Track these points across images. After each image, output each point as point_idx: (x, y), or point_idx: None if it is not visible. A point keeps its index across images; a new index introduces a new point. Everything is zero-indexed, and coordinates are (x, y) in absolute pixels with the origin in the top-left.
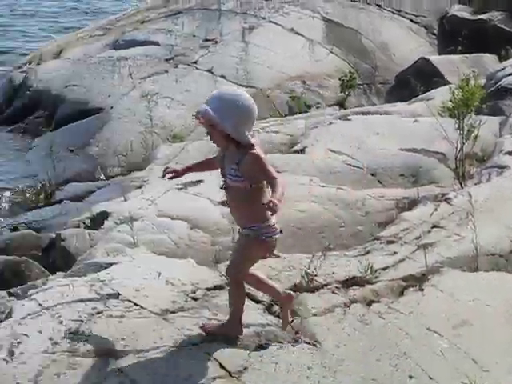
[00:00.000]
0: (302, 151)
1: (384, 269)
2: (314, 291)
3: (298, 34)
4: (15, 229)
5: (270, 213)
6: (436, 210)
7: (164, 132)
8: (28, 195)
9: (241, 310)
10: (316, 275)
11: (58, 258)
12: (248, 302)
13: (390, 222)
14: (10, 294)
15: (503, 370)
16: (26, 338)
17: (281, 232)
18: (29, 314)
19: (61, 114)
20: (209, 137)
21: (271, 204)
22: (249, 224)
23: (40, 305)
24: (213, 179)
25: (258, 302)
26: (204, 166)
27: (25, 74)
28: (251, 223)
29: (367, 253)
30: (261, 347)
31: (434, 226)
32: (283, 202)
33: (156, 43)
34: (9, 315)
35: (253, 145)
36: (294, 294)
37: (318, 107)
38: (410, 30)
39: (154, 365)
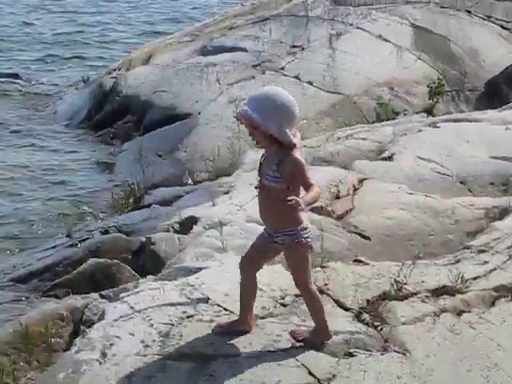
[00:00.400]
0: (390, 158)
1: (475, 278)
2: (404, 299)
3: (386, 40)
4: (106, 232)
5: (301, 214)
6: None
7: (251, 138)
8: (118, 199)
9: (324, 314)
10: (405, 283)
11: (147, 262)
12: (337, 310)
13: (480, 231)
14: (101, 297)
15: None
16: (118, 339)
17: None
18: (121, 317)
19: (149, 120)
20: (251, 137)
21: (294, 201)
22: (282, 228)
23: (132, 308)
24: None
25: (346, 309)
26: None
27: (114, 80)
28: (286, 227)
29: (457, 262)
30: (349, 355)
31: None
32: (309, 206)
33: (243, 49)
34: (101, 317)
35: (295, 145)
36: None
37: (405, 114)
38: (500, 36)
39: (242, 370)
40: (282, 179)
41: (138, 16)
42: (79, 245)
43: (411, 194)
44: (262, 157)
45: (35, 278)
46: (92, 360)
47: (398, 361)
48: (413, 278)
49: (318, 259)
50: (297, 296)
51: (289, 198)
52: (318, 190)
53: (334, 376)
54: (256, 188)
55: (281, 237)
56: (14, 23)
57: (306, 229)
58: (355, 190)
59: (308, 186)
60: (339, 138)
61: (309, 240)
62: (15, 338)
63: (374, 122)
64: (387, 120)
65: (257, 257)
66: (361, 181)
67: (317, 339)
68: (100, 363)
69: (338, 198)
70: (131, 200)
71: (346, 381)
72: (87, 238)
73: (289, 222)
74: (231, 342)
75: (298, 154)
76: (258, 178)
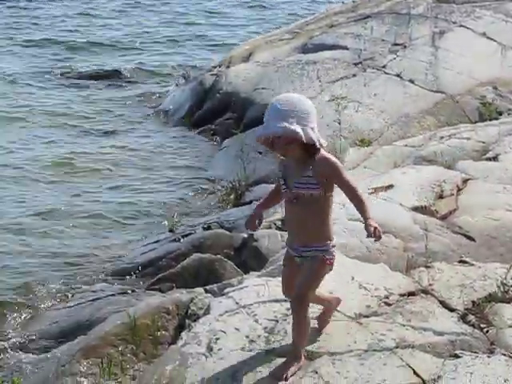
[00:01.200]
0: (495, 159)
1: None
2: (510, 302)
3: (490, 38)
4: (208, 228)
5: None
6: None
7: (352, 136)
8: (220, 196)
9: (306, 336)
10: None
11: (249, 258)
12: (442, 310)
13: None
14: (206, 291)
15: None
16: (224, 334)
17: None
18: (226, 312)
19: (250, 117)
20: (277, 153)
21: (377, 232)
22: (316, 242)
23: (237, 303)
24: (404, 184)
25: (452, 310)
26: (273, 197)
27: (215, 77)
28: (320, 241)
29: None
30: (455, 356)
31: None
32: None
33: (345, 47)
34: (206, 311)
35: (321, 145)
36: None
37: (509, 114)
38: None
39: (347, 368)
40: (318, 185)
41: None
42: (182, 240)
43: None
44: (282, 168)
45: (139, 272)
46: (198, 354)
47: (504, 364)
48: None
49: (423, 259)
50: (401, 295)
51: (369, 232)
52: (365, 197)
53: (439, 377)
54: (290, 201)
55: (311, 251)
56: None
57: (334, 246)
58: (459, 190)
59: (353, 189)
60: (442, 138)
61: (334, 258)
62: (123, 329)
63: (476, 122)
64: (490, 120)
65: (292, 279)
66: (465, 181)
67: (292, 364)
68: (206, 357)
69: (441, 197)
70: (232, 196)
71: (451, 382)
72: (190, 234)
73: (322, 237)
74: (336, 339)
75: (327, 153)
76: (284, 189)
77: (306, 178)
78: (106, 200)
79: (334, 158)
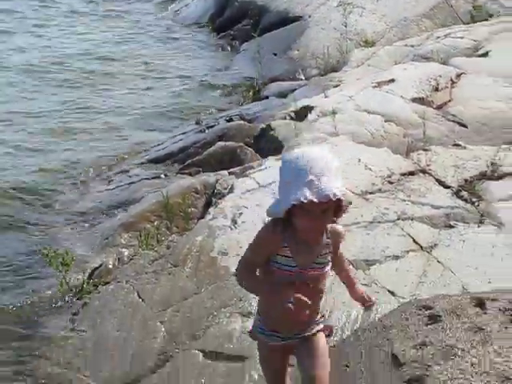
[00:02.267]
0: (485, 55)
1: None
2: (499, 179)
3: None
4: (230, 120)
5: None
6: None
7: (357, 38)
8: (240, 92)
9: None
10: (501, 165)
11: (267, 145)
12: (438, 187)
13: None
14: (230, 173)
15: None
16: (247, 209)
17: None
18: (248, 190)
19: (265, 22)
20: (321, 225)
21: (372, 303)
22: (317, 317)
23: (257, 183)
24: (404, 79)
25: (446, 187)
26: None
27: None
28: (319, 314)
29: None
30: (450, 226)
31: None
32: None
33: None
34: (230, 191)
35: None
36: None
37: (499, 15)
38: None
39: (355, 237)
40: (331, 259)
41: None
42: (207, 131)
43: (506, 87)
44: (289, 243)
45: (170, 159)
46: (224, 226)
47: (492, 232)
48: (507, 160)
49: (421, 143)
50: (402, 175)
51: (366, 303)
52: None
53: (435, 245)
54: (300, 284)
55: (317, 326)
56: None
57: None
58: (453, 83)
59: (343, 259)
60: (438, 37)
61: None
62: (158, 207)
63: (469, 23)
64: (481, 21)
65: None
66: (458, 75)
67: None
68: (231, 229)
69: (437, 90)
70: (251, 93)
71: (446, 249)
72: (214, 125)
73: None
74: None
75: None
76: (294, 271)
77: (326, 254)
78: (142, 100)
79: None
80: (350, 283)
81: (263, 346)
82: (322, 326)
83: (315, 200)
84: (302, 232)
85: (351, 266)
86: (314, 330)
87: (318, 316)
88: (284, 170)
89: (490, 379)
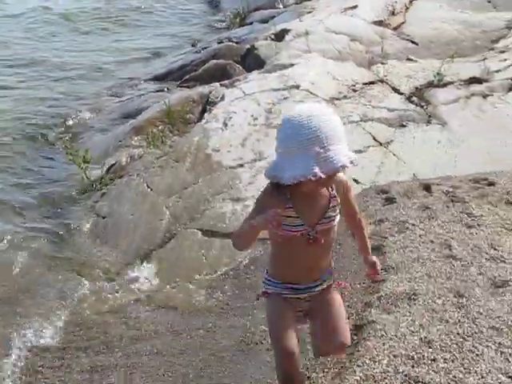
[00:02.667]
0: None
1: (497, 71)
2: (444, 87)
3: None
4: (221, 42)
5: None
6: None
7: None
8: (228, 19)
9: None
10: (445, 75)
11: (252, 62)
12: (393, 94)
13: (502, 38)
14: (221, 85)
15: None
16: (235, 114)
17: None
18: (236, 98)
19: None
20: (318, 187)
21: (380, 278)
22: (328, 267)
23: (243, 92)
24: (366, 4)
25: (400, 93)
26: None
27: None
28: (330, 266)
29: (484, 59)
30: (403, 126)
31: None
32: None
33: None
34: (222, 99)
35: None
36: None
37: None
38: None
39: None
40: (338, 210)
41: None
42: (202, 51)
43: (450, 10)
44: (291, 203)
45: (171, 76)
46: (217, 128)
47: (438, 130)
48: (451, 71)
49: (380, 58)
50: (364, 84)
51: (370, 272)
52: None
53: (391, 141)
54: (308, 241)
55: (327, 276)
56: None
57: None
58: (407, 8)
59: (356, 214)
60: None
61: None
62: (161, 114)
63: None
64: None
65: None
66: (411, 1)
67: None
68: (222, 130)
69: (393, 14)
70: (238, 20)
71: (400, 144)
72: (207, 47)
73: (330, 261)
74: None
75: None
76: (303, 230)
77: (333, 208)
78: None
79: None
80: (362, 247)
81: (274, 301)
82: (333, 281)
83: (323, 176)
84: (306, 192)
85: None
86: (325, 284)
87: (328, 267)
88: (285, 133)
89: (435, 247)
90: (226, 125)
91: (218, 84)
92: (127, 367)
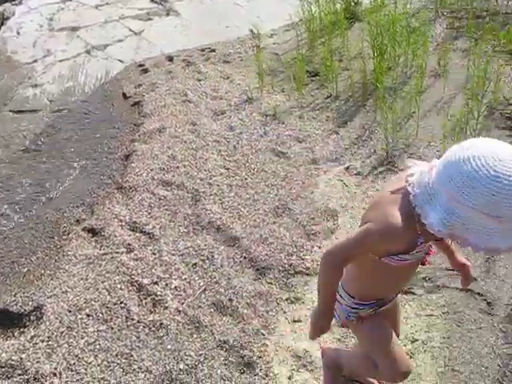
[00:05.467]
0: None
1: None
2: None
3: None
4: None
5: None
6: None
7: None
8: None
9: None
10: None
11: None
12: None
13: None
14: (12, 4)
15: None
16: (24, 24)
17: None
18: (23, 13)
19: None
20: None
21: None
22: None
23: (29, 7)
24: None
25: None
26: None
27: None
28: None
29: None
30: (150, 19)
31: None
32: None
33: None
34: (13, 14)
35: None
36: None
37: None
38: None
39: None
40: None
41: None
42: None
43: None
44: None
45: None
46: (11, 36)
47: (175, 19)
48: None
49: None
50: None
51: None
52: None
53: (143, 30)
54: (426, 263)
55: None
56: None
57: None
58: None
59: None
60: None
61: None
62: None
63: None
64: None
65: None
66: None
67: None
68: (16, 37)
69: None
70: None
71: (149, 32)
72: None
73: None
74: None
75: None
76: (417, 254)
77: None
78: None
79: None
80: (449, 251)
81: (372, 320)
82: None
83: None
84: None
85: None
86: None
87: None
88: (474, 191)
89: (176, 96)
90: (18, 33)
91: (9, 4)
92: None
